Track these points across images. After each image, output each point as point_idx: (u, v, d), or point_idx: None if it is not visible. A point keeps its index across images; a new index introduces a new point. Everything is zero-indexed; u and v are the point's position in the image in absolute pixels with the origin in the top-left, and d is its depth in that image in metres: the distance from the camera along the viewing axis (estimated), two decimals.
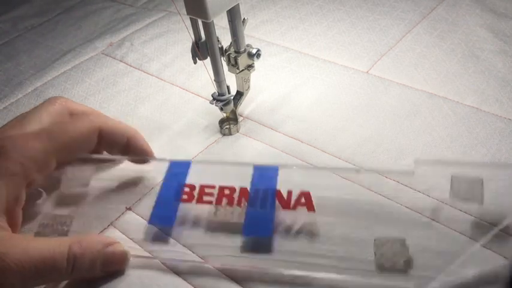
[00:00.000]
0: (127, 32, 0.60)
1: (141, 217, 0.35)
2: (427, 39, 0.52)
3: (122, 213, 0.36)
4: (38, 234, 0.32)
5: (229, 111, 0.41)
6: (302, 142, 0.38)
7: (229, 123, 0.42)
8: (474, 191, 0.31)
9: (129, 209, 0.36)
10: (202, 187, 0.34)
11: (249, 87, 0.42)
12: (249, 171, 0.35)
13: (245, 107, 0.45)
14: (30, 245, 0.28)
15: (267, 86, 0.48)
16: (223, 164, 0.37)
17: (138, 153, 0.36)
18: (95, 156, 0.35)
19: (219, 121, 0.43)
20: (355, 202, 0.34)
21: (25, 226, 0.34)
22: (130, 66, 0.53)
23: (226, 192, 0.34)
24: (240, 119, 0.44)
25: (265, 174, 0.35)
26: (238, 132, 0.42)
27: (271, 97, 0.46)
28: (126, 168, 0.38)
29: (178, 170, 0.36)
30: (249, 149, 0.40)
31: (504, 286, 0.25)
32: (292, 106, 0.45)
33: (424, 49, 0.51)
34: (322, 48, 0.53)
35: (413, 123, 0.41)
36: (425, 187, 0.34)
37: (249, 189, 0.34)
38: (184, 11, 0.35)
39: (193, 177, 0.35)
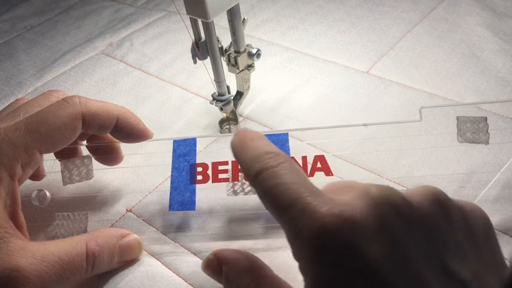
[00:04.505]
0: (127, 32, 0.60)
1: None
2: (427, 39, 0.52)
3: (123, 215, 0.36)
4: (54, 236, 0.32)
5: (229, 111, 0.41)
6: (302, 141, 0.38)
7: (229, 123, 0.42)
8: (479, 129, 0.32)
9: (130, 211, 0.36)
10: (215, 165, 0.33)
11: (249, 87, 0.42)
12: None
13: (245, 107, 0.45)
14: (46, 251, 0.27)
15: (267, 86, 0.48)
16: (229, 137, 0.37)
17: (132, 132, 0.33)
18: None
19: (219, 121, 0.43)
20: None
21: (40, 231, 0.34)
22: (131, 66, 0.53)
23: None
24: (240, 119, 0.43)
25: (276, 141, 0.34)
26: None
27: (271, 97, 0.46)
28: (133, 153, 0.37)
29: (184, 149, 0.35)
30: None
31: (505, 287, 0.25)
32: (292, 106, 0.45)
33: (424, 49, 0.50)
34: (322, 48, 0.53)
35: (413, 122, 0.41)
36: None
37: None
38: (184, 10, 0.35)
39: (202, 155, 0.34)
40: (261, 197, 0.24)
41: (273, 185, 0.23)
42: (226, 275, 0.27)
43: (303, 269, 0.22)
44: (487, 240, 0.24)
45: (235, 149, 0.27)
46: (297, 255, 0.22)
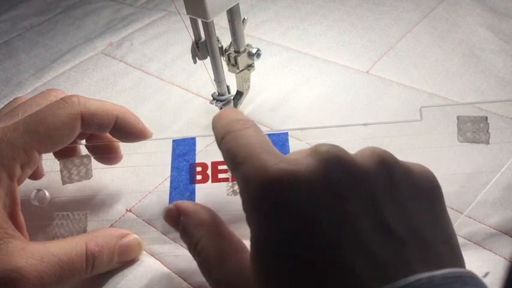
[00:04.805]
0: (127, 32, 0.59)
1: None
2: (427, 39, 0.52)
3: (122, 215, 0.36)
4: (54, 236, 0.32)
5: None
6: (302, 141, 0.38)
7: None
8: (480, 129, 0.32)
9: (129, 211, 0.36)
10: (214, 164, 0.33)
11: (249, 87, 0.42)
12: None
13: (245, 107, 0.45)
14: (46, 252, 0.27)
15: (267, 86, 0.48)
16: None
17: (131, 132, 0.33)
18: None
19: None
20: None
21: (39, 231, 0.34)
22: (130, 66, 0.53)
23: None
24: None
25: (276, 141, 0.34)
26: None
27: (271, 97, 0.46)
28: (132, 152, 0.37)
29: (184, 148, 0.35)
30: None
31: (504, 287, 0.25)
32: (292, 106, 0.45)
33: (424, 49, 0.50)
34: (322, 48, 0.53)
35: (414, 123, 0.41)
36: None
37: None
38: (184, 10, 0.35)
39: (202, 155, 0.34)
40: (223, 157, 0.25)
41: (233, 145, 0.24)
42: (183, 226, 0.28)
43: (248, 220, 0.23)
44: (431, 202, 0.24)
45: (212, 123, 0.28)
46: (244, 207, 0.23)
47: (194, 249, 0.27)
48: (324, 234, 0.20)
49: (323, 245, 0.20)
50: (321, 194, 0.21)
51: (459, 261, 0.23)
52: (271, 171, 0.21)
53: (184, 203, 0.29)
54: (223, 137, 0.25)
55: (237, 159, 0.24)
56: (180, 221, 0.28)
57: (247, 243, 0.28)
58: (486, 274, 0.28)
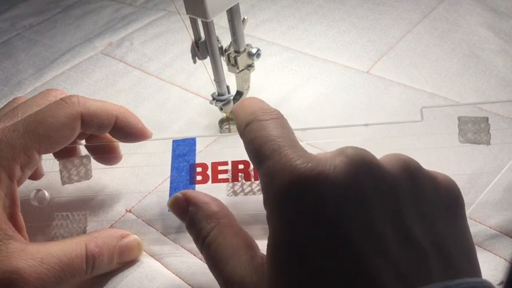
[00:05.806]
0: (126, 32, 0.59)
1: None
2: (427, 38, 0.52)
3: (122, 216, 0.36)
4: (53, 236, 0.31)
5: (229, 111, 0.41)
6: (302, 142, 0.38)
7: (229, 123, 0.42)
8: (481, 130, 0.32)
9: (129, 211, 0.36)
10: (214, 165, 0.33)
11: (248, 87, 0.42)
12: None
13: None
14: (46, 253, 0.27)
15: (267, 86, 0.47)
16: (229, 137, 0.36)
17: (131, 132, 0.33)
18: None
19: (219, 121, 0.43)
20: None
21: (39, 231, 0.34)
22: (130, 66, 0.53)
23: (241, 166, 0.33)
24: None
25: None
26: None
27: (271, 97, 0.46)
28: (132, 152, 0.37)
29: (184, 149, 0.34)
30: None
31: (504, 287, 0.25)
32: (292, 106, 0.45)
33: (424, 49, 0.50)
34: (322, 48, 0.53)
35: (414, 123, 0.41)
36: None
37: None
38: (183, 10, 0.34)
39: (202, 155, 0.34)
40: (246, 147, 0.25)
41: (258, 136, 0.24)
42: (191, 217, 0.27)
43: (268, 217, 0.22)
44: (454, 212, 0.24)
45: (235, 109, 0.27)
46: (265, 203, 0.22)
47: (202, 243, 0.26)
48: (349, 239, 0.20)
49: (347, 249, 0.20)
50: (347, 197, 0.21)
51: (476, 271, 0.23)
52: (298, 170, 0.21)
53: (194, 193, 0.28)
54: (247, 125, 0.25)
55: (262, 152, 0.23)
56: (187, 211, 0.27)
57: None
58: (501, 282, 0.28)
